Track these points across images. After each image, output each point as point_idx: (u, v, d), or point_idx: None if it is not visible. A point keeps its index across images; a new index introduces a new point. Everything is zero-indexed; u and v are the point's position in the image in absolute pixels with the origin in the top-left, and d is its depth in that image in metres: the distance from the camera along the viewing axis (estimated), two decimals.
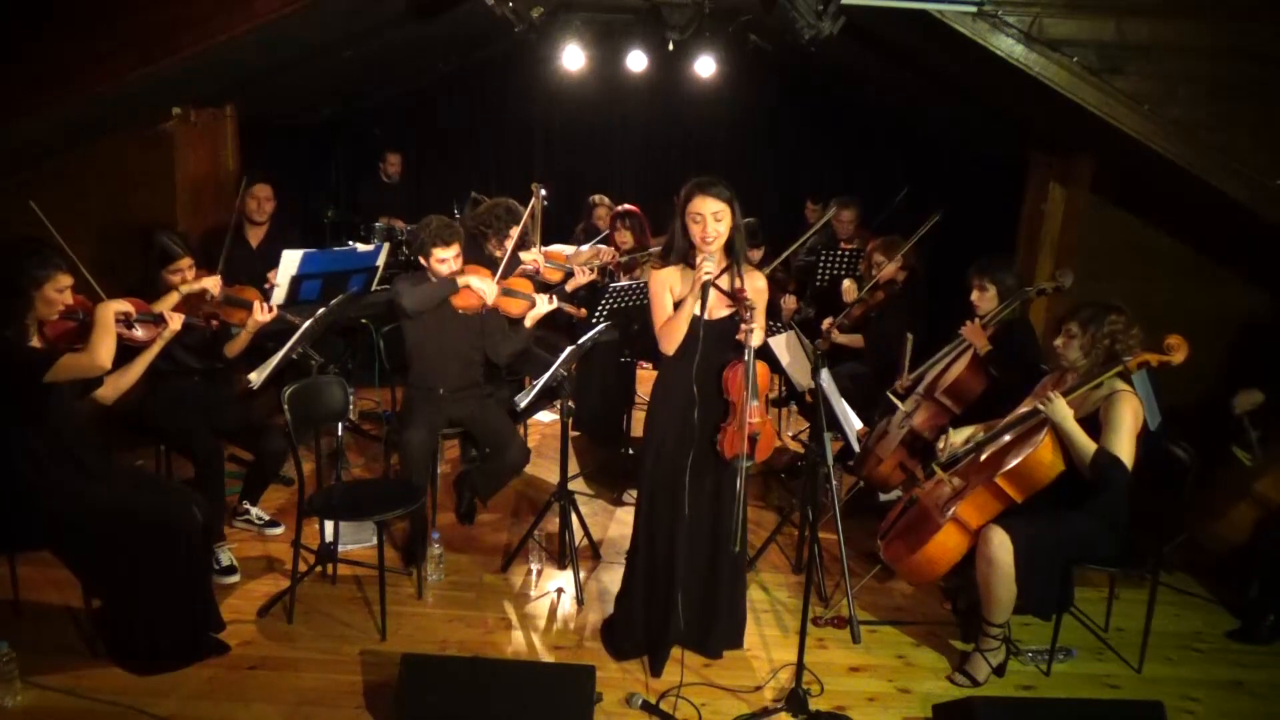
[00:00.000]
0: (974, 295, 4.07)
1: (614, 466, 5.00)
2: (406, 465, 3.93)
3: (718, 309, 3.07)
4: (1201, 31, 3.79)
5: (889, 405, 4.24)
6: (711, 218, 2.98)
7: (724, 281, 3.05)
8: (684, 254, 3.09)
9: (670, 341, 3.08)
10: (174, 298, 3.59)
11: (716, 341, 3.06)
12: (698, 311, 2.99)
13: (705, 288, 2.95)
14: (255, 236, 4.96)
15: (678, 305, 3.07)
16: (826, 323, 5.08)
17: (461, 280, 3.99)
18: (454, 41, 6.91)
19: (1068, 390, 3.24)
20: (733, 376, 3.05)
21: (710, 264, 2.95)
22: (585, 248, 5.49)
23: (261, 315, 3.85)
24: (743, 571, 3.38)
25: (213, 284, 3.74)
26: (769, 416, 3.19)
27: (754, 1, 4.66)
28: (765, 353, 4.18)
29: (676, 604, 3.17)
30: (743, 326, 2.93)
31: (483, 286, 4.03)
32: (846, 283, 5.11)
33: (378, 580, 3.47)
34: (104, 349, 3.02)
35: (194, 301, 3.80)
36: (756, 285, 3.11)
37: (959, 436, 3.59)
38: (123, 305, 3.20)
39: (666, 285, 3.11)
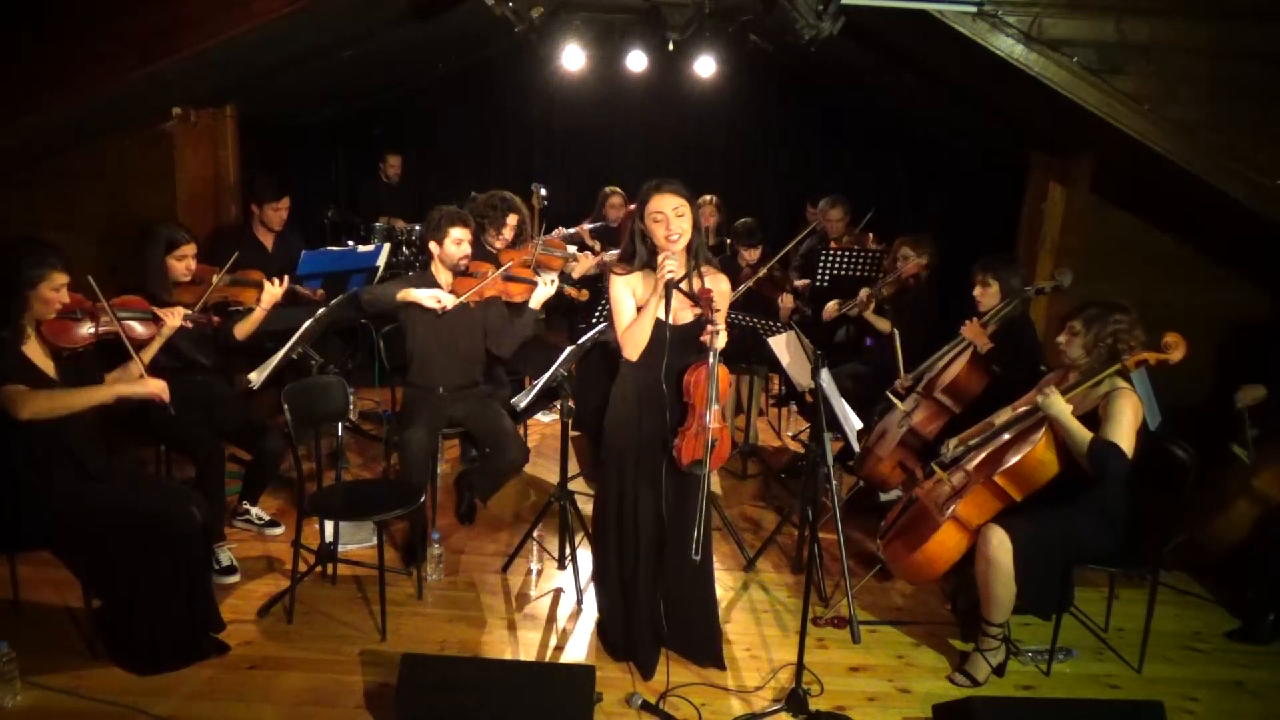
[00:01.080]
0: (976, 291, 4.08)
1: None
2: (406, 465, 3.93)
3: (681, 312, 3.03)
4: (1201, 31, 3.79)
5: (888, 404, 4.24)
6: (673, 214, 2.95)
7: (686, 284, 3.01)
8: (645, 259, 3.05)
9: (634, 346, 3.05)
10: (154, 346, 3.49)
11: (680, 345, 3.02)
12: (661, 314, 2.95)
13: (669, 288, 2.90)
14: (268, 240, 5.03)
15: (640, 309, 3.04)
16: (864, 292, 4.97)
17: (421, 293, 3.97)
18: (454, 41, 6.90)
19: (1068, 388, 3.24)
20: (695, 380, 2.99)
21: (673, 263, 2.92)
22: (586, 253, 5.46)
23: (276, 289, 3.91)
24: (708, 585, 3.29)
25: (174, 318, 3.53)
26: (726, 423, 3.15)
27: (754, 1, 4.66)
28: (765, 353, 4.19)
29: (658, 611, 3.15)
30: (708, 328, 2.90)
31: (436, 295, 3.99)
32: (830, 305, 5.09)
33: (378, 580, 3.47)
34: (38, 405, 2.90)
35: (196, 292, 3.82)
36: (721, 288, 3.09)
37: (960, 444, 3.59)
38: (121, 390, 3.12)
39: (629, 290, 3.08)
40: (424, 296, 3.97)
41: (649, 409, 3.06)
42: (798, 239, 5.88)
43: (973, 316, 4.07)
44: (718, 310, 2.93)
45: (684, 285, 3.00)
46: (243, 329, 3.97)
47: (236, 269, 4.01)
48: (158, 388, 3.15)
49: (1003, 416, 3.55)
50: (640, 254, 3.06)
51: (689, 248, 3.03)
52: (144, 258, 3.82)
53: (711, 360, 2.89)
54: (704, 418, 2.95)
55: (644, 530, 3.13)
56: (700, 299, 2.96)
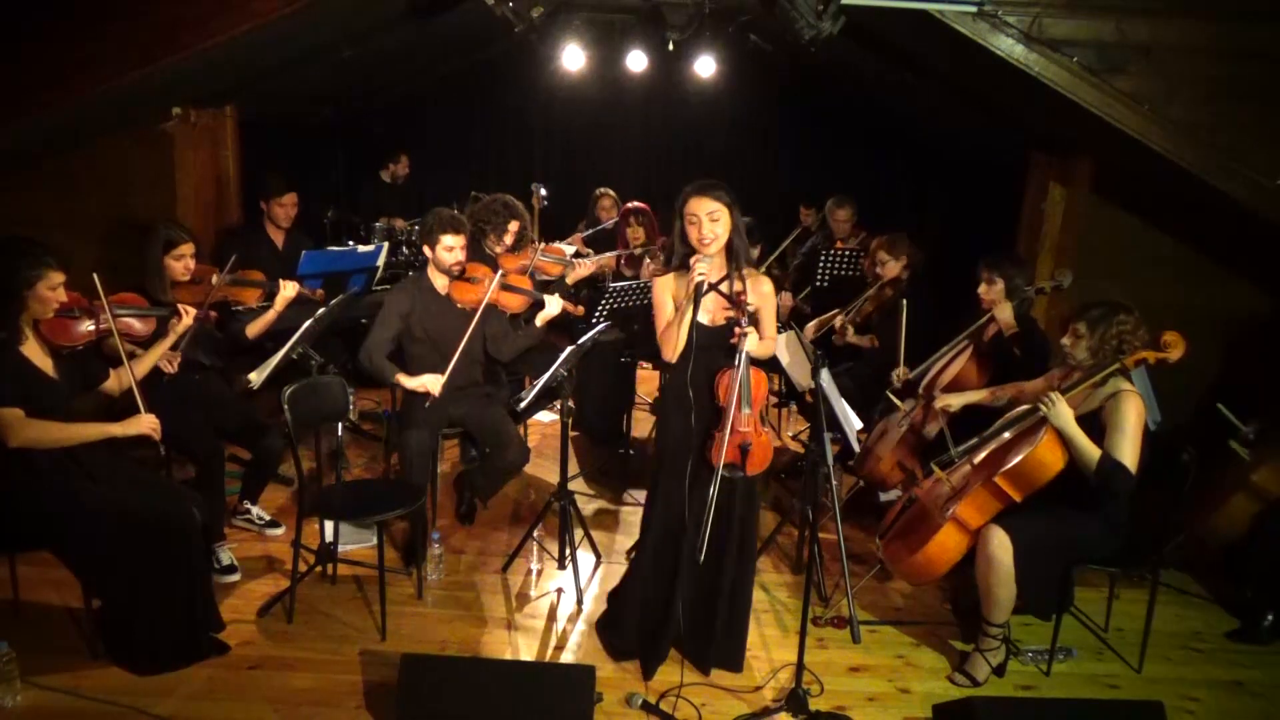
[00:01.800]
0: (981, 289, 4.07)
1: (614, 467, 5.00)
2: (406, 465, 3.93)
3: (720, 314, 3.05)
4: (1201, 31, 3.79)
5: (888, 405, 4.24)
6: (707, 219, 2.95)
7: (724, 286, 3.02)
8: (684, 259, 3.06)
9: (669, 347, 3.06)
10: (156, 354, 3.50)
11: (717, 347, 3.03)
12: (700, 318, 2.95)
13: (698, 290, 2.91)
14: (279, 237, 5.05)
15: (677, 311, 3.05)
16: (839, 320, 5.03)
17: (409, 382, 3.96)
18: (454, 41, 6.90)
19: (1069, 386, 3.24)
20: (723, 382, 3.01)
21: (704, 265, 2.93)
22: (588, 260, 5.44)
23: (289, 291, 3.98)
24: (746, 590, 3.28)
25: (188, 317, 3.61)
26: (766, 429, 3.15)
27: (754, 1, 4.66)
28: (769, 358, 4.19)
29: (676, 610, 3.15)
30: (736, 330, 2.91)
31: (433, 383, 3.95)
32: (810, 326, 5.08)
33: (378, 580, 3.47)
34: (29, 435, 2.92)
35: (195, 292, 3.83)
36: (762, 289, 3.10)
37: (960, 398, 3.59)
38: (113, 431, 3.11)
39: (668, 291, 3.10)
40: (414, 384, 3.96)
41: (683, 410, 3.06)
42: (791, 237, 5.88)
43: (984, 315, 4.05)
44: (752, 312, 2.93)
45: (723, 287, 3.01)
46: (255, 328, 4.01)
47: (238, 268, 4.02)
48: (149, 426, 3.14)
49: (1005, 392, 3.59)
50: (679, 253, 3.07)
51: (729, 250, 3.04)
52: (143, 256, 3.83)
53: (739, 362, 2.89)
54: (735, 420, 2.95)
55: (680, 529, 3.12)
56: (735, 301, 2.96)
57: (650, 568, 3.25)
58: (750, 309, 2.95)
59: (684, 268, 3.06)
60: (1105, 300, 3.30)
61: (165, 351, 3.51)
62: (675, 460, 3.12)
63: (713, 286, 2.98)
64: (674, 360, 3.07)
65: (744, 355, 2.90)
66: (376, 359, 4.01)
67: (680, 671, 3.21)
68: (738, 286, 3.03)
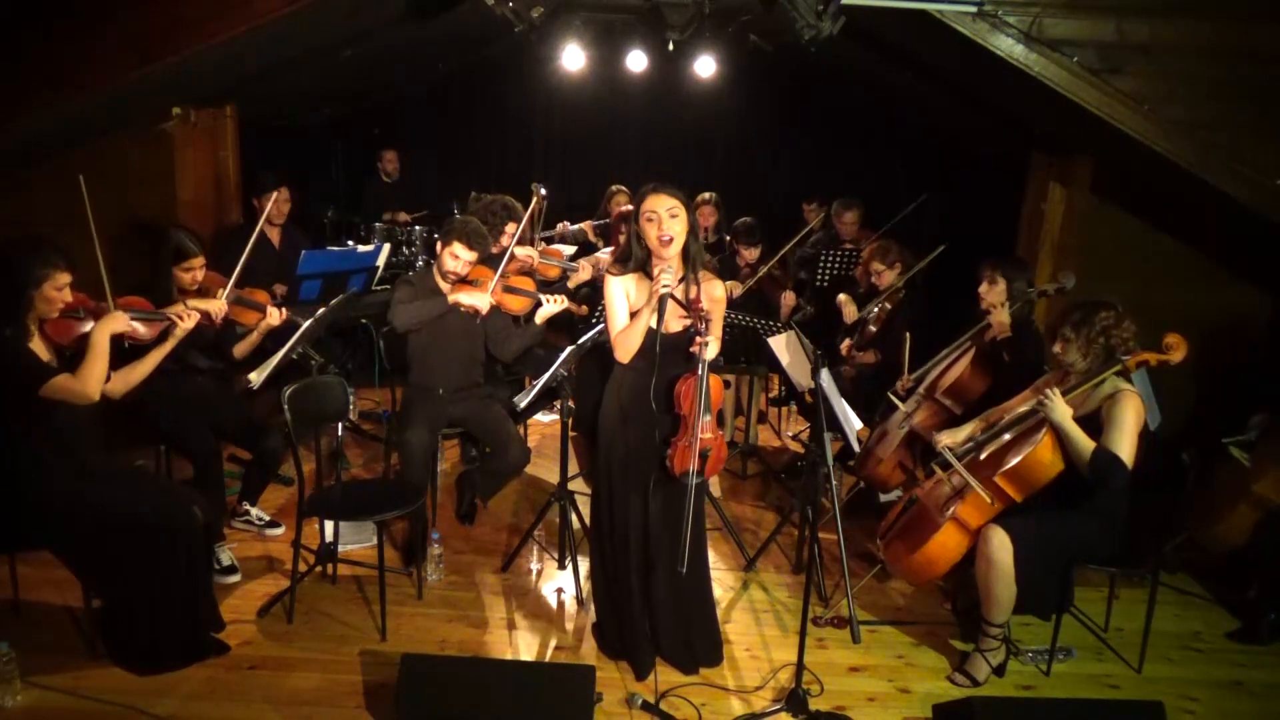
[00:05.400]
0: (982, 288, 4.06)
1: None
2: (406, 465, 3.93)
3: (673, 321, 3.00)
4: (1201, 31, 3.79)
5: (889, 405, 4.24)
6: (666, 214, 2.92)
7: (679, 292, 2.97)
8: (641, 262, 3.04)
9: (625, 350, 3.03)
10: (179, 308, 3.50)
11: (670, 354, 2.98)
12: (653, 325, 2.92)
13: (663, 301, 2.86)
14: (275, 236, 5.04)
15: (634, 315, 3.02)
16: (845, 346, 4.98)
17: (452, 297, 4.01)
18: (454, 41, 6.91)
19: (1069, 389, 3.24)
20: (685, 390, 2.97)
21: (669, 275, 2.89)
22: (585, 261, 5.43)
23: (274, 320, 3.91)
24: (708, 592, 3.31)
25: (217, 308, 3.66)
26: (720, 432, 3.13)
27: (754, 1, 4.66)
28: (765, 353, 4.19)
29: (633, 614, 3.16)
30: (697, 340, 2.87)
31: (473, 301, 4.03)
32: (841, 296, 5.05)
33: (378, 580, 3.47)
34: (93, 378, 2.99)
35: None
36: (714, 294, 3.05)
37: (956, 435, 3.58)
38: (118, 325, 3.14)
39: (623, 292, 3.07)
40: (468, 302, 4.03)
41: (638, 417, 3.04)
42: (796, 239, 5.87)
43: (981, 312, 4.05)
44: (708, 319, 2.90)
45: (678, 293, 2.96)
46: (240, 349, 4.00)
47: (244, 284, 3.98)
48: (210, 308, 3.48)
49: (995, 416, 3.55)
50: (636, 255, 3.05)
51: (685, 254, 3.01)
52: (152, 259, 3.82)
53: (700, 371, 2.86)
54: (695, 428, 2.92)
55: (634, 537, 3.12)
56: (691, 308, 2.94)
57: (614, 574, 3.22)
58: (706, 316, 2.91)
59: (640, 270, 3.04)
60: (1085, 300, 3.29)
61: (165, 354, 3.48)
62: (631, 471, 3.08)
63: (669, 297, 2.91)
64: (626, 363, 3.06)
65: (705, 364, 2.86)
66: (411, 309, 3.98)
67: (680, 672, 3.21)
68: (692, 292, 3.00)
